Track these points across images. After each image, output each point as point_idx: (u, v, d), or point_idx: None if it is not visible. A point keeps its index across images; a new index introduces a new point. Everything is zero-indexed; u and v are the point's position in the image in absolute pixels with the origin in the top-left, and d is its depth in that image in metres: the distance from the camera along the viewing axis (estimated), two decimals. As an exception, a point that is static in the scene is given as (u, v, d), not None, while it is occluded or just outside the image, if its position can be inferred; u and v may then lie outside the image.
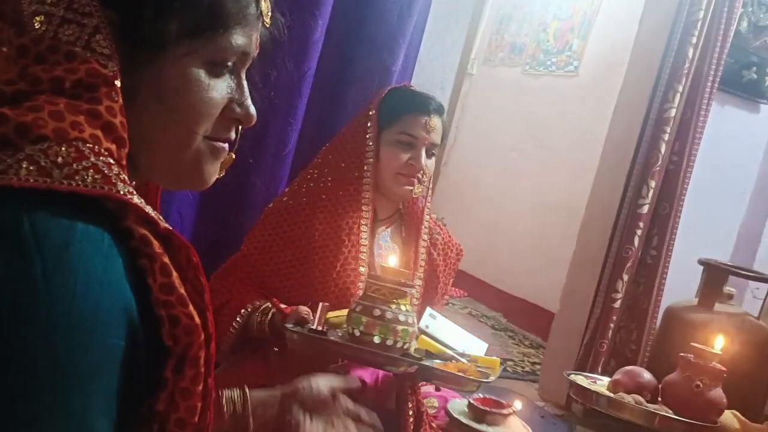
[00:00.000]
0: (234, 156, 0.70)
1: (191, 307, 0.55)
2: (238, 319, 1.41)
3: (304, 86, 1.75)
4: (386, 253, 1.55)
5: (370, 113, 1.53)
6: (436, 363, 1.27)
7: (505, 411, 0.87)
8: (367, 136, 1.51)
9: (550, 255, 3.86)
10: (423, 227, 1.59)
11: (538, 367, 3.28)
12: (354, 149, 1.53)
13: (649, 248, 2.72)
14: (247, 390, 0.94)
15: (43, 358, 0.48)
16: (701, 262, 2.74)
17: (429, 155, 1.53)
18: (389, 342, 1.19)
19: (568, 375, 1.33)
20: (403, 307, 1.22)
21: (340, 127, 1.69)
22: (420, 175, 1.51)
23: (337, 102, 1.84)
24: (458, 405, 0.90)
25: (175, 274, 0.54)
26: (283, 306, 1.39)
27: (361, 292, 1.46)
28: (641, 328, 2.74)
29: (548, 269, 3.74)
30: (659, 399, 1.28)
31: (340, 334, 1.27)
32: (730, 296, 2.71)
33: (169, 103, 0.62)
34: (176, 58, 0.61)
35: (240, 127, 0.69)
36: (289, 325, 1.28)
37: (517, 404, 0.91)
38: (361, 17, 1.81)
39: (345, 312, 1.30)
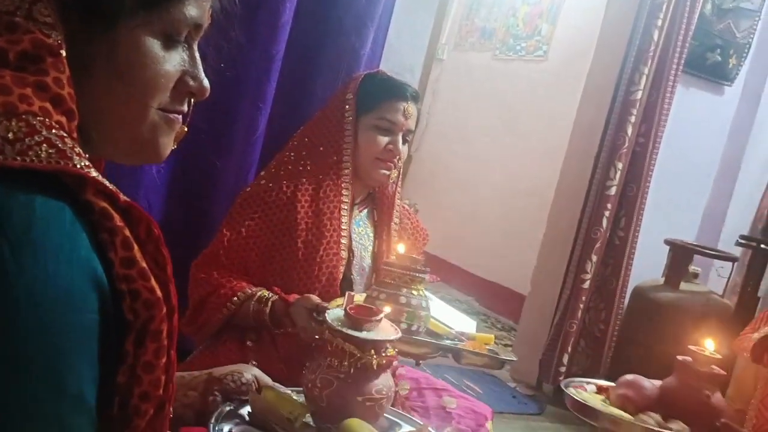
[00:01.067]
0: (186, 129, 0.69)
1: (153, 281, 0.54)
2: (228, 305, 1.41)
3: (272, 70, 1.74)
4: (359, 237, 1.56)
5: (348, 97, 1.52)
6: (448, 342, 1.32)
7: (377, 317, 0.94)
8: (345, 121, 1.51)
9: (521, 238, 3.90)
10: (394, 211, 1.60)
11: (510, 349, 3.32)
12: (332, 133, 1.52)
13: (617, 229, 2.77)
14: None
15: (31, 342, 0.47)
16: (667, 242, 2.80)
17: (404, 141, 1.54)
18: (414, 327, 1.21)
19: (566, 387, 1.26)
20: (422, 293, 1.25)
21: (310, 110, 1.68)
22: (396, 160, 1.53)
23: (306, 85, 1.83)
24: (335, 314, 0.97)
25: (136, 247, 0.54)
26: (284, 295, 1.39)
27: (341, 276, 1.48)
28: (610, 308, 2.79)
29: (519, 252, 3.77)
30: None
31: None
32: (696, 275, 2.77)
33: (123, 75, 0.61)
34: (130, 30, 0.60)
35: (193, 100, 0.68)
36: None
37: (387, 309, 1.01)
38: (329, 0, 1.80)
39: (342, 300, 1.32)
